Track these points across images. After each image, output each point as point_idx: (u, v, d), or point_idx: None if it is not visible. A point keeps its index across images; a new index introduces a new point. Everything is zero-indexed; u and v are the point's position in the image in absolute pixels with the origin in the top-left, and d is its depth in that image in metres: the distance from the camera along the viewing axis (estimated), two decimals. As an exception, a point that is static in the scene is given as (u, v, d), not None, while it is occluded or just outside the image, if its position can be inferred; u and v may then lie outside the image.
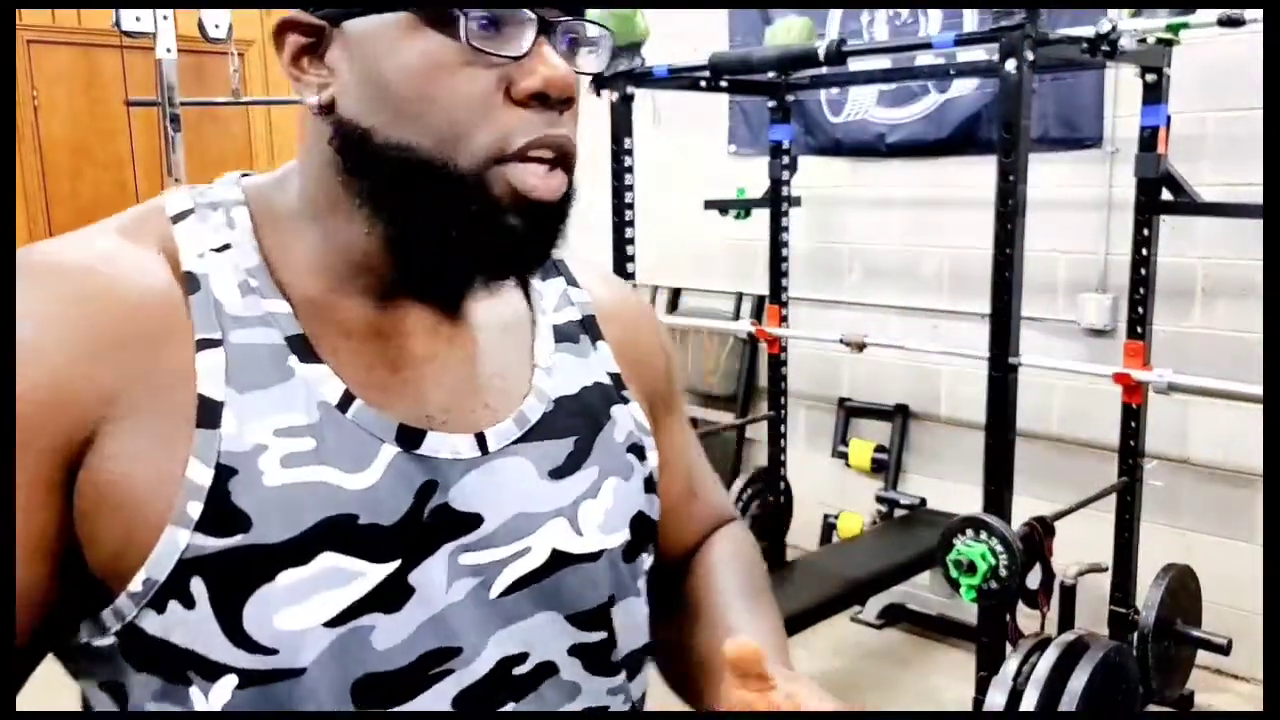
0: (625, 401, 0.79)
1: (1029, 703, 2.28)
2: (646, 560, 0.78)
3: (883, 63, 3.24)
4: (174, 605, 0.60)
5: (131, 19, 3.16)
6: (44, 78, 4.54)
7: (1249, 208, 2.72)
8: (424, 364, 0.69)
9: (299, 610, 0.61)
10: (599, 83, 3.08)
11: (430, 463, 0.66)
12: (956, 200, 3.63)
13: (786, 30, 3.23)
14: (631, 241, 3.16)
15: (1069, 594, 2.73)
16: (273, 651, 0.61)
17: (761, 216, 3.60)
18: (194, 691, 0.61)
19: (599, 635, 0.73)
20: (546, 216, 0.66)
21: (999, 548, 2.26)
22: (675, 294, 4.55)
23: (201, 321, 0.63)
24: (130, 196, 4.54)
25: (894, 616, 3.62)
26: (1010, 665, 2.38)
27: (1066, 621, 2.71)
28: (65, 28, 4.57)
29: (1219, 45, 2.86)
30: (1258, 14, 2.22)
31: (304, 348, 0.65)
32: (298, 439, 0.62)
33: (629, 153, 3.11)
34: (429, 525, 0.66)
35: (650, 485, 0.78)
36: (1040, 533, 2.44)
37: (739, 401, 4.30)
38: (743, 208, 3.61)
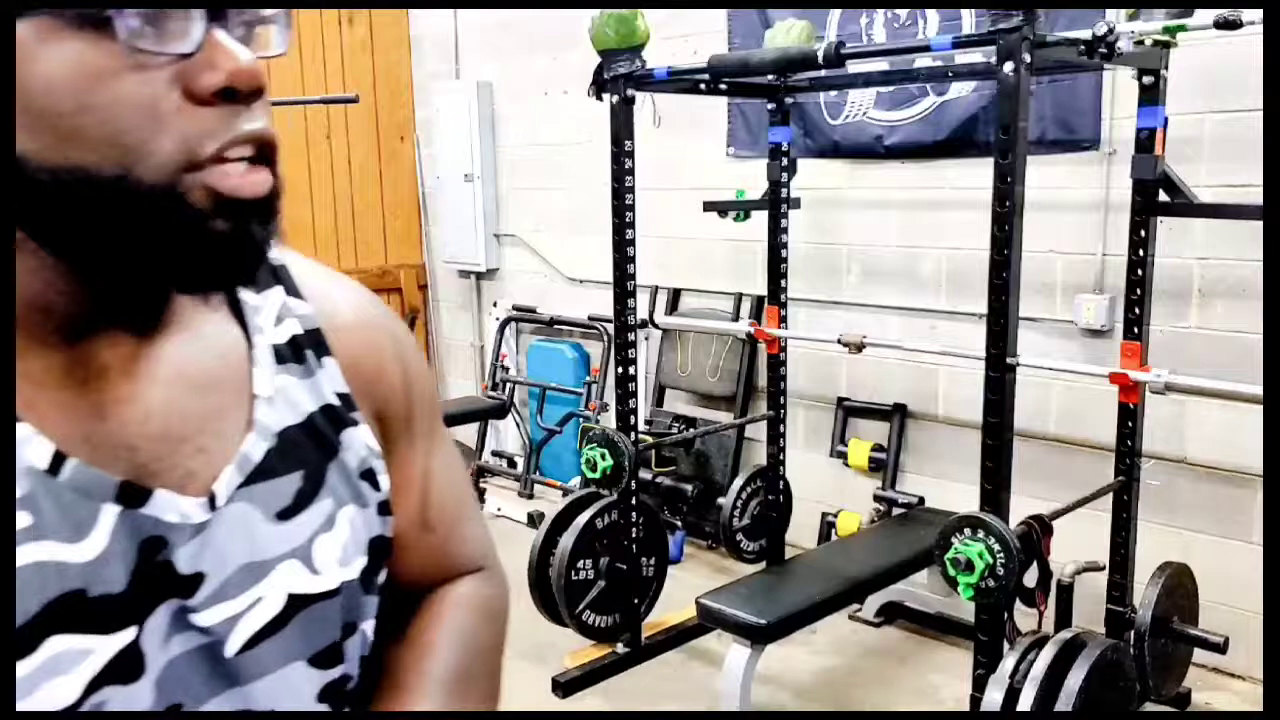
0: (355, 424, 0.72)
1: (1026, 701, 2.30)
2: (382, 576, 0.74)
3: (881, 65, 3.26)
4: None
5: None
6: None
7: (1246, 209, 2.74)
8: (128, 407, 0.61)
9: (30, 704, 0.54)
10: (599, 86, 3.10)
11: (152, 523, 0.60)
12: (954, 201, 3.64)
13: (786, 33, 3.25)
14: (632, 243, 3.17)
15: (1066, 592, 2.75)
16: None
17: (761, 218, 3.62)
18: None
19: (338, 671, 0.69)
20: (255, 216, 0.58)
21: (996, 546, 2.27)
22: (675, 294, 4.57)
23: None
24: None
25: (892, 614, 3.64)
26: (1008, 663, 2.39)
27: (1064, 620, 2.73)
28: (68, 29, 4.59)
29: (1216, 47, 2.88)
30: (1254, 16, 2.24)
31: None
32: (18, 514, 0.55)
33: (629, 155, 3.12)
34: (151, 584, 0.59)
35: (386, 508, 0.74)
36: (1038, 531, 2.45)
37: (738, 401, 4.32)
38: (742, 209, 3.62)
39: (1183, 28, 2.42)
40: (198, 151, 0.55)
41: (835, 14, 3.79)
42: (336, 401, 0.71)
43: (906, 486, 3.90)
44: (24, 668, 0.54)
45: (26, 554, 0.54)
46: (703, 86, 3.24)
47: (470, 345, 5.67)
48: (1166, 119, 2.71)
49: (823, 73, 3.16)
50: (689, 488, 4.26)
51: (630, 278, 3.20)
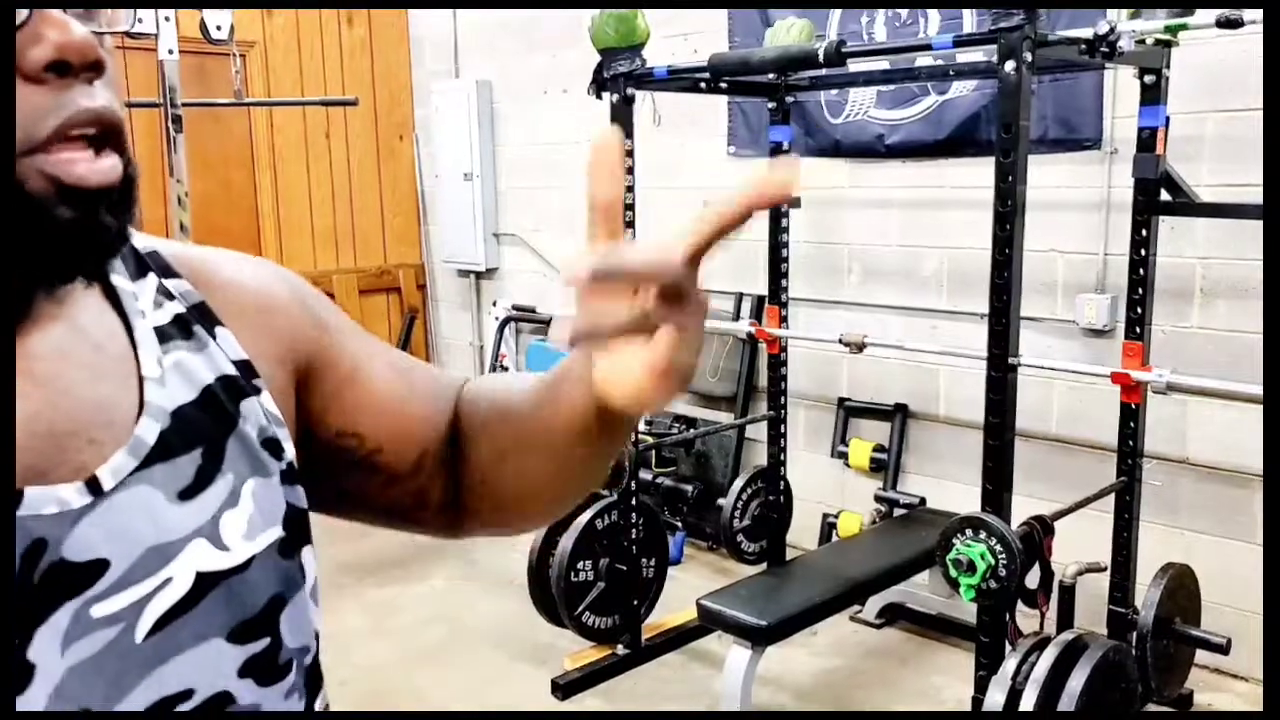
0: (256, 392, 0.69)
1: (1028, 702, 2.29)
2: (309, 551, 0.72)
3: (882, 64, 3.25)
4: None
5: (133, 20, 3.17)
6: (45, 79, 4.54)
7: (1247, 208, 2.73)
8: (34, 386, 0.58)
9: None
10: (599, 85, 3.09)
11: (33, 523, 0.56)
12: (955, 201, 3.64)
13: (786, 31, 3.24)
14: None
15: (1068, 593, 2.74)
16: None
17: (761, 217, 3.60)
18: None
19: (263, 643, 0.67)
20: (105, 205, 0.55)
21: (998, 547, 2.27)
22: (675, 294, 4.56)
23: None
24: (131, 197, 4.55)
25: (893, 616, 3.63)
26: (1009, 664, 2.39)
27: (1065, 621, 2.72)
28: (66, 29, 4.58)
29: (1217, 46, 2.87)
30: (1256, 15, 2.23)
31: None
32: None
33: (629, 154, 3.12)
34: (40, 591, 0.56)
35: (291, 476, 0.71)
36: (1039, 532, 2.45)
37: (739, 401, 4.31)
38: (742, 208, 3.61)
39: (1184, 27, 2.42)
40: (33, 132, 0.51)
41: (836, 13, 3.79)
42: (234, 371, 0.68)
43: (908, 487, 3.89)
44: None
45: None
46: (703, 85, 3.24)
47: (469, 345, 5.66)
48: (1168, 118, 2.70)
49: (823, 71, 3.16)
50: (689, 488, 4.25)
51: (630, 277, 3.19)
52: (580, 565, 3.23)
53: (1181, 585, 2.86)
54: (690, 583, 3.82)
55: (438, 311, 5.87)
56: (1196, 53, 2.83)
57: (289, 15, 5.22)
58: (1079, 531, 2.77)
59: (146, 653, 0.60)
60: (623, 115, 3.09)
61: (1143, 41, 2.53)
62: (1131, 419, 2.85)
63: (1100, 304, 3.31)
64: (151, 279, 0.68)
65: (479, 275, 5.49)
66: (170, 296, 0.68)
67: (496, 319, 5.32)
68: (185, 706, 0.62)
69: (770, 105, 3.48)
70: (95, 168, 0.54)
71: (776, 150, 3.51)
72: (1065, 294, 3.42)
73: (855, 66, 3.18)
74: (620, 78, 3.04)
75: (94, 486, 0.58)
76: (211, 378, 0.66)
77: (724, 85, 3.33)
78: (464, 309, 5.66)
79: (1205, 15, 2.36)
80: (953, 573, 2.31)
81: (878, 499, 3.87)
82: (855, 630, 3.60)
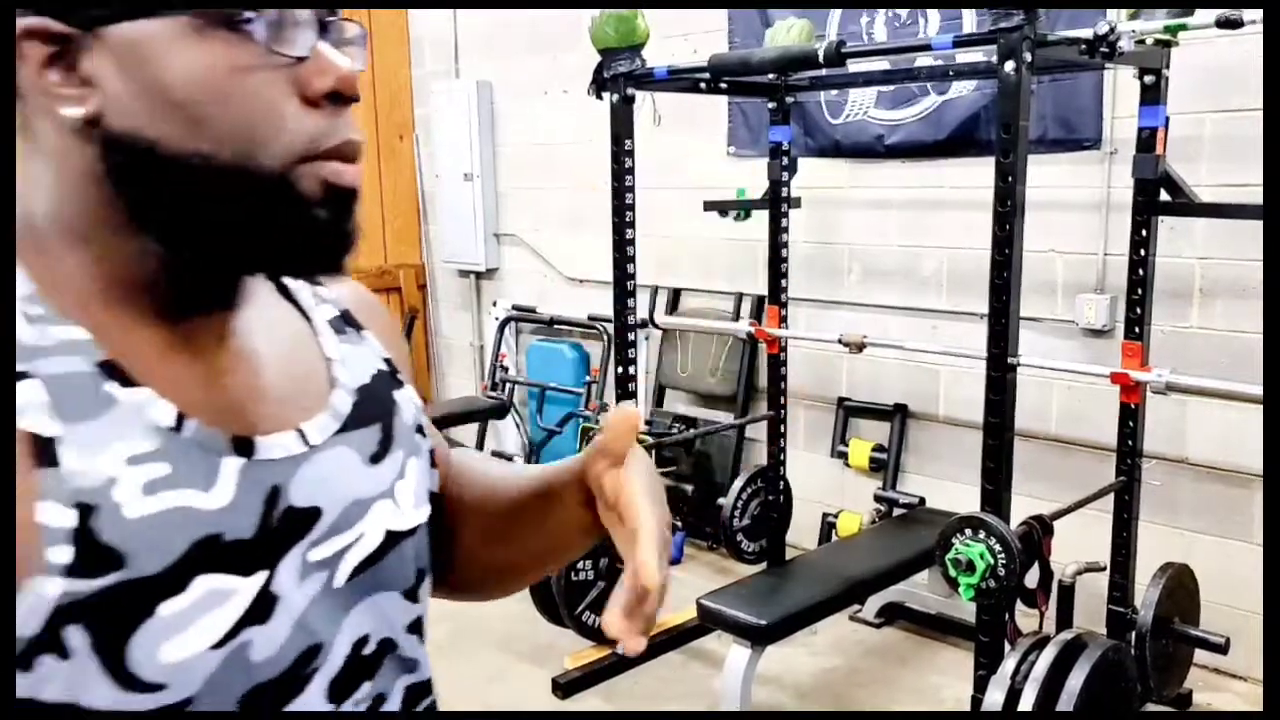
0: (402, 385, 0.80)
1: (1027, 701, 2.29)
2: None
3: (882, 64, 3.25)
4: (45, 660, 0.56)
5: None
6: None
7: (1247, 208, 2.73)
8: (230, 377, 0.67)
9: (184, 639, 0.59)
10: (599, 85, 3.09)
11: (268, 466, 0.65)
12: (955, 201, 3.64)
13: (786, 31, 3.25)
14: (632, 242, 3.17)
15: (1067, 593, 2.75)
16: (161, 687, 0.59)
17: (761, 217, 3.61)
18: None
19: (421, 608, 0.77)
20: (349, 205, 0.65)
21: (997, 547, 2.27)
22: (675, 294, 4.56)
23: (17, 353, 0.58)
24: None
25: (893, 615, 3.64)
26: (1009, 664, 2.39)
27: (1065, 620, 2.73)
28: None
29: (1217, 46, 2.87)
30: (1255, 15, 2.23)
31: (118, 373, 0.61)
32: (152, 465, 0.60)
33: (629, 154, 3.12)
34: (280, 530, 0.65)
35: (433, 459, 0.83)
36: (1039, 532, 2.45)
37: (738, 401, 4.31)
38: (742, 209, 3.62)
39: (1184, 27, 2.42)
40: (315, 146, 0.62)
41: (835, 13, 3.79)
42: (385, 367, 0.79)
43: (907, 487, 3.90)
44: (178, 604, 0.59)
45: (167, 500, 0.60)
46: (703, 85, 3.24)
47: (470, 345, 5.66)
48: (1167, 118, 2.71)
49: (823, 72, 3.16)
50: (689, 488, 4.26)
51: (630, 277, 3.20)
52: (580, 565, 3.24)
53: (1180, 585, 2.87)
54: (690, 582, 3.83)
55: (438, 311, 5.87)
56: (1196, 53, 2.83)
57: (289, 15, 5.22)
58: (1078, 531, 2.78)
59: (344, 597, 0.69)
60: (623, 115, 3.09)
61: (1142, 42, 2.53)
62: (1131, 419, 2.85)
63: (1099, 304, 3.31)
64: (304, 284, 0.79)
65: (479, 275, 5.50)
66: (323, 300, 0.79)
67: (497, 319, 5.32)
68: (367, 650, 0.71)
69: (770, 105, 3.48)
70: (350, 171, 0.64)
71: (777, 150, 3.51)
72: (1065, 294, 3.42)
73: (855, 67, 3.19)
74: (620, 78, 3.05)
75: (304, 439, 0.68)
76: (374, 368, 0.77)
77: (724, 85, 3.34)
78: (464, 309, 5.66)
79: (1205, 15, 2.37)
80: (952, 572, 2.32)
81: (877, 499, 3.87)
82: (855, 630, 3.61)
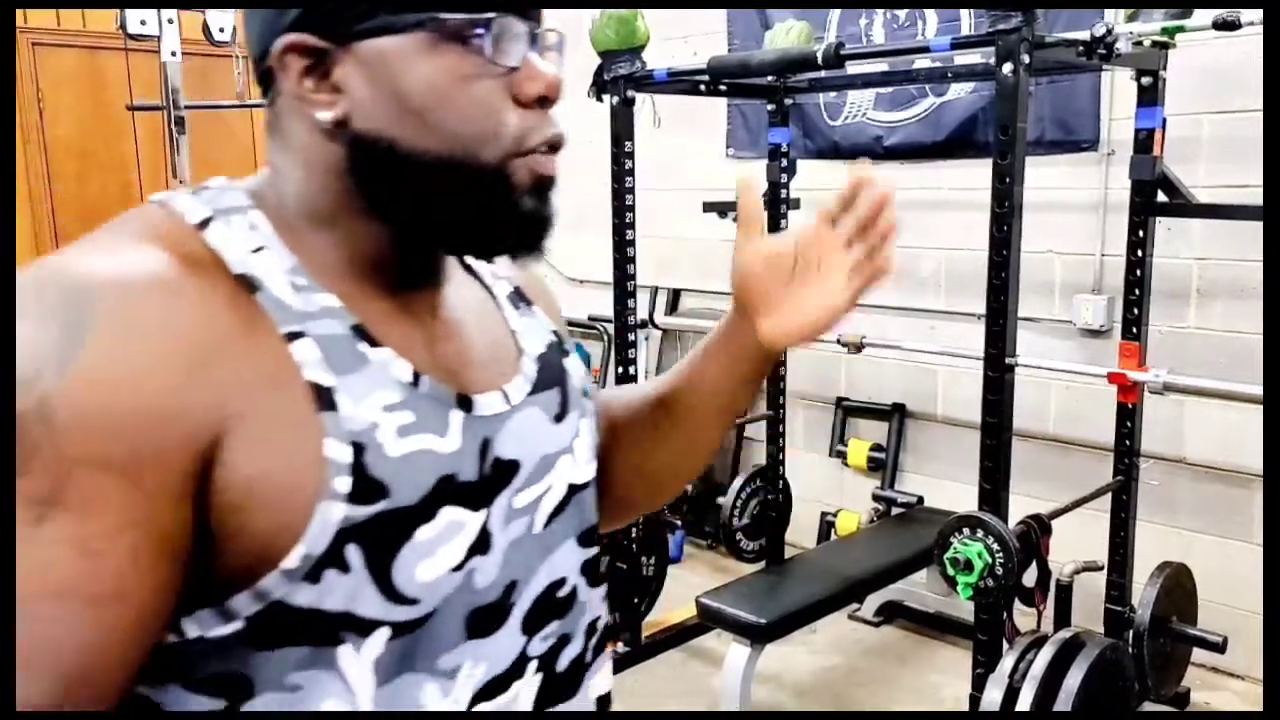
0: (568, 354, 0.89)
1: (1025, 700, 2.30)
2: None
3: (880, 66, 3.26)
4: (330, 573, 0.65)
5: (136, 22, 3.18)
6: (49, 80, 4.56)
7: (1244, 209, 2.74)
8: (446, 342, 0.77)
9: (433, 561, 0.70)
10: (599, 87, 3.10)
11: (482, 421, 0.75)
12: (953, 202, 3.65)
13: (785, 33, 3.26)
14: (632, 243, 3.18)
15: (1065, 592, 2.75)
16: (415, 601, 0.69)
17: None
18: (344, 650, 0.67)
19: (593, 550, 0.86)
20: (549, 193, 0.74)
21: (995, 546, 2.28)
22: (675, 295, 4.57)
23: (278, 317, 0.67)
24: (135, 199, 4.56)
25: (891, 614, 3.65)
26: (1007, 662, 2.40)
27: (1063, 619, 2.73)
28: (70, 30, 4.59)
29: (1214, 48, 2.88)
30: (1253, 16, 2.24)
31: (366, 335, 0.70)
32: (401, 413, 0.69)
33: (629, 155, 3.13)
34: (490, 477, 0.75)
35: (594, 426, 0.91)
36: (1037, 531, 2.46)
37: (738, 402, 4.31)
38: (742, 209, 3.62)
39: (1181, 28, 2.43)
40: (524, 143, 0.71)
41: (834, 15, 3.80)
42: (554, 338, 0.88)
43: (906, 486, 3.91)
44: (429, 531, 0.69)
45: (416, 442, 0.69)
46: (702, 87, 3.25)
47: (470, 345, 5.68)
48: (1165, 119, 2.71)
49: (822, 74, 3.17)
50: (689, 487, 4.27)
51: (630, 278, 3.21)
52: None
53: (1178, 584, 2.88)
54: (690, 581, 3.84)
55: (438, 312, 5.89)
56: (1193, 54, 2.84)
57: (290, 17, 5.23)
58: (1076, 530, 2.78)
59: (542, 541, 0.79)
60: (623, 117, 3.10)
61: (1140, 43, 2.54)
62: (1128, 419, 2.86)
63: (1097, 304, 3.33)
64: (481, 263, 0.88)
65: (479, 276, 5.51)
66: (497, 277, 0.89)
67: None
68: (561, 593, 0.81)
69: (769, 107, 3.49)
70: (555, 164, 0.74)
71: (776, 152, 3.52)
72: (1062, 294, 3.43)
73: (854, 69, 3.20)
74: (620, 80, 3.06)
75: (506, 399, 0.78)
76: (546, 339, 0.86)
77: (723, 87, 3.35)
78: (464, 309, 5.68)
79: (1202, 17, 2.37)
80: (950, 571, 2.33)
81: (876, 498, 3.88)
82: (854, 628, 3.62)
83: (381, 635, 0.68)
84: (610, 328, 3.67)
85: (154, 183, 4.37)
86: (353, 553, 0.66)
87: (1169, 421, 3.20)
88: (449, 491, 0.71)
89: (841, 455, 4.06)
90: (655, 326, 4.45)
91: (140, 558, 0.60)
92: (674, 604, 3.55)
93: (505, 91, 0.71)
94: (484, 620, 0.74)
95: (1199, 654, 2.99)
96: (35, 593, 0.58)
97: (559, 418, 0.82)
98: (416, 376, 0.72)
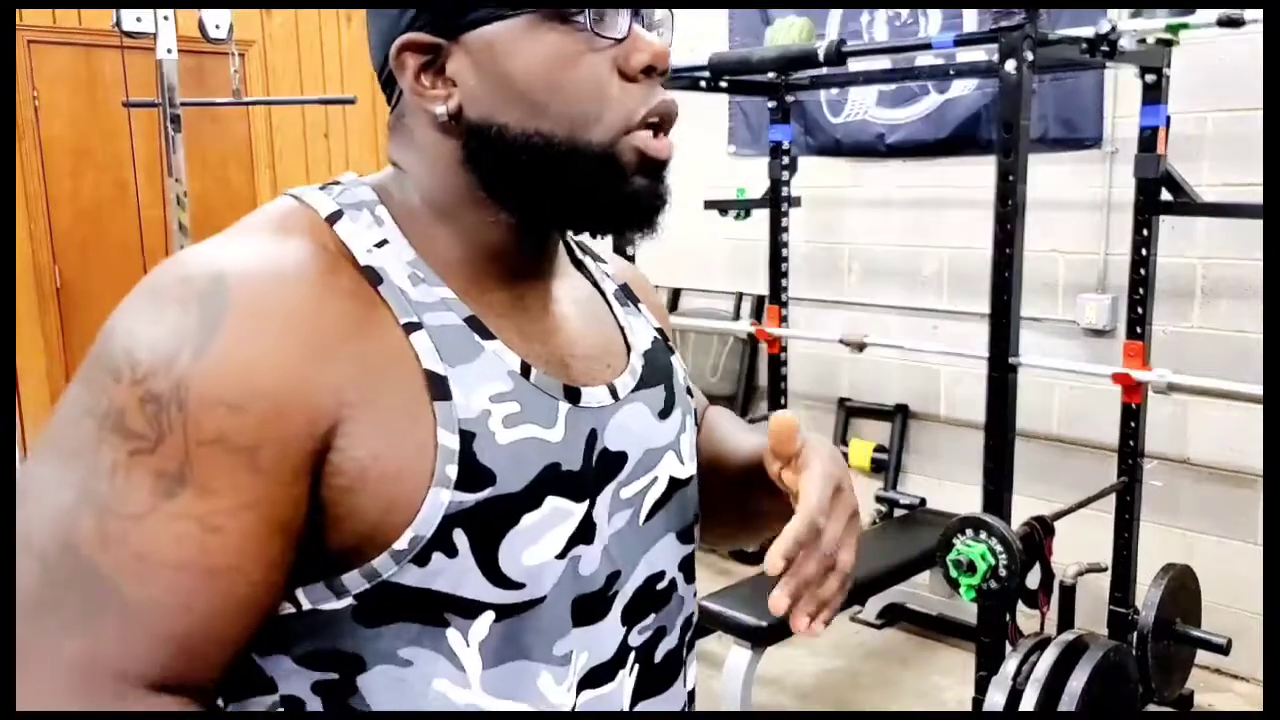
0: (673, 352, 0.90)
1: (1028, 702, 2.29)
2: None
3: (882, 63, 3.24)
4: (437, 556, 0.67)
5: (132, 19, 3.16)
6: (45, 78, 4.54)
7: (1248, 208, 2.72)
8: (556, 335, 0.78)
9: (538, 548, 0.71)
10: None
11: (589, 413, 0.76)
12: (956, 200, 3.63)
13: (786, 31, 3.24)
14: (632, 242, 3.16)
15: (1068, 594, 2.74)
16: (521, 585, 0.70)
17: (761, 217, 3.61)
18: (451, 632, 0.69)
19: (691, 547, 0.87)
20: (662, 172, 0.75)
21: (998, 547, 2.26)
22: (675, 294, 4.56)
23: (398, 308, 0.69)
24: (131, 197, 4.53)
25: (894, 616, 3.63)
26: (1010, 665, 2.38)
27: (1066, 621, 2.72)
28: (66, 28, 4.57)
29: (1218, 46, 2.86)
30: (1257, 14, 2.23)
31: (479, 327, 0.72)
32: (509, 403, 0.71)
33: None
34: (597, 469, 0.76)
35: (697, 419, 0.93)
36: (1040, 532, 2.44)
37: (739, 401, 4.30)
38: (743, 208, 3.61)
39: (1185, 26, 2.41)
40: (633, 117, 0.72)
41: (836, 12, 3.78)
42: (659, 336, 0.89)
43: (908, 487, 3.89)
44: (534, 518, 0.71)
45: (523, 431, 0.71)
46: (703, 84, 3.23)
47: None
48: (1169, 117, 2.70)
49: (824, 71, 3.15)
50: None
51: (630, 277, 3.19)
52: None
53: (1182, 586, 2.86)
54: (690, 583, 3.82)
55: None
56: (1197, 52, 2.82)
57: (288, 15, 5.21)
58: (1080, 532, 2.77)
59: (644, 534, 0.80)
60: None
61: (1144, 41, 2.53)
62: (1132, 419, 2.85)
63: (1101, 304, 3.31)
64: (590, 260, 0.91)
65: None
66: (606, 275, 0.91)
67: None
68: (660, 585, 0.82)
69: (771, 104, 3.47)
70: (663, 144, 0.74)
71: (777, 149, 3.51)
72: (1066, 294, 3.41)
73: (855, 66, 3.18)
74: (620, 77, 3.04)
75: (613, 393, 0.79)
76: (652, 336, 0.88)
77: (724, 84, 3.33)
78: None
79: (1206, 15, 2.36)
80: (953, 573, 2.31)
81: (878, 499, 3.86)
82: (856, 630, 3.60)
83: (486, 618, 0.70)
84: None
85: (149, 181, 4.35)
86: (460, 537, 0.67)
87: (1173, 422, 3.18)
88: (554, 480, 0.72)
89: (843, 456, 4.03)
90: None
91: (257, 536, 0.63)
92: (674, 605, 3.53)
93: (612, 67, 0.71)
94: (589, 608, 0.75)
95: (1203, 656, 2.97)
96: (157, 563, 0.61)
97: (664, 414, 0.83)
98: (526, 368, 0.73)
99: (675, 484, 0.83)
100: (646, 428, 0.81)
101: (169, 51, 3.23)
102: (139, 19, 3.19)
